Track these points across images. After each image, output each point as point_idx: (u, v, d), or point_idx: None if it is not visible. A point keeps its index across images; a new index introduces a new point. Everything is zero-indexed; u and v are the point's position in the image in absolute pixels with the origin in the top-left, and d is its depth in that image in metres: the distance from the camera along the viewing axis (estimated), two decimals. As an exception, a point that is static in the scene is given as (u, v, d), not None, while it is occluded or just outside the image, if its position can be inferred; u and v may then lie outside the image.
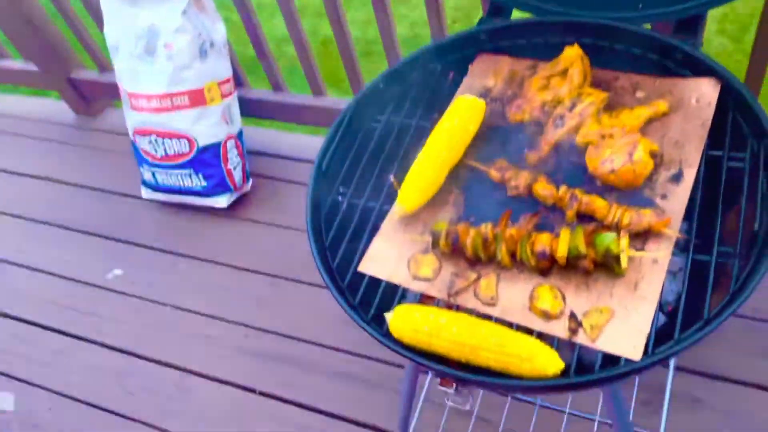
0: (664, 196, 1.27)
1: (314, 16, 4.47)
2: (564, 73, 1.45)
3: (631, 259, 1.19)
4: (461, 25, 4.47)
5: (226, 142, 2.83)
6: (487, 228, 1.26)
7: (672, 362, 2.03)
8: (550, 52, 1.51)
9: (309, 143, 3.18)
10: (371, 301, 1.29)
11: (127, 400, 2.53)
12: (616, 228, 1.22)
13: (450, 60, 1.63)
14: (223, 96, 2.78)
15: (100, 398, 2.56)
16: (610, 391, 1.41)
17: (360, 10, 4.33)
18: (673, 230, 1.21)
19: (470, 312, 1.22)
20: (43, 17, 3.24)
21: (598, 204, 1.25)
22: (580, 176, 1.34)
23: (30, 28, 3.20)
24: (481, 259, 1.27)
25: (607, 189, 1.31)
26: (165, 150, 2.80)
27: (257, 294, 2.71)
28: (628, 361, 1.10)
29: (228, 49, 2.82)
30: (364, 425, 2.25)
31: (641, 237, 1.23)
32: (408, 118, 1.56)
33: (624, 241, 1.16)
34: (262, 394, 2.45)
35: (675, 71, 1.45)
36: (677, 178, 1.28)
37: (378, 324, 1.24)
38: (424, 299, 1.31)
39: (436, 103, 1.54)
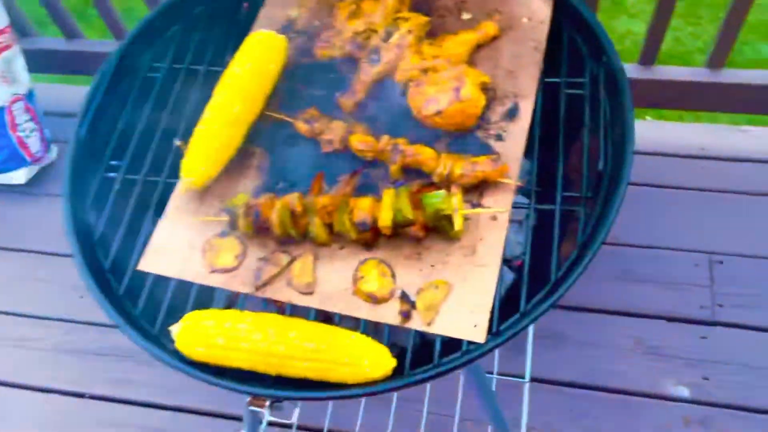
0: (499, 137, 1.07)
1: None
2: (377, -6, 1.19)
3: (466, 218, 1.00)
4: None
5: (11, 106, 2.34)
6: (294, 198, 1.00)
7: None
8: (362, -29, 1.25)
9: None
10: (160, 306, 1.01)
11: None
12: (447, 182, 1.01)
13: (243, -14, 1.32)
14: (-1, 49, 2.27)
15: None
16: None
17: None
18: (512, 179, 1.02)
19: (282, 308, 0.98)
20: None
21: (425, 155, 1.03)
22: (404, 121, 1.11)
23: None
24: (292, 237, 1.02)
25: (436, 134, 1.09)
26: (-69, 122, 2.26)
27: (76, 281, 2.31)
28: (471, 343, 0.91)
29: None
30: (213, 414, 2.00)
31: (477, 189, 1.03)
32: (195, 63, 1.24)
33: (456, 198, 0.96)
34: (92, 397, 2.11)
35: (503, -15, 1.24)
36: (513, 113, 1.09)
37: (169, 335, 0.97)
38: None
39: (228, 43, 1.24)
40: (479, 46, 1.15)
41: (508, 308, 0.95)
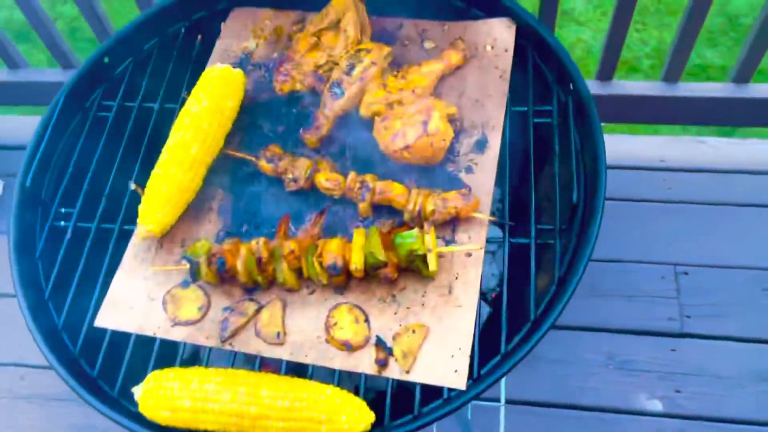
0: (469, 170, 1.05)
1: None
2: (337, 25, 1.16)
3: (440, 255, 0.96)
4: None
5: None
6: (260, 244, 0.95)
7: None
8: (321, 0, 1.21)
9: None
10: (120, 364, 0.95)
11: None
12: (419, 219, 0.98)
13: (196, 18, 1.27)
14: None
15: None
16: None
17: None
18: (484, 212, 0.99)
19: (251, 363, 0.93)
20: None
21: (395, 191, 1.00)
22: (371, 156, 1.07)
23: None
24: (259, 284, 0.97)
25: (404, 168, 1.05)
26: None
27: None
28: (452, 390, 0.88)
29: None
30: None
31: (449, 224, 1.00)
32: (148, 100, 1.18)
33: (430, 237, 0.92)
34: (51, 446, 2.00)
35: (465, 11, 1.22)
36: (481, 145, 1.07)
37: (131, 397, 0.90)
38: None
39: (183, 77, 1.18)
40: (444, 76, 1.13)
41: (486, 344, 0.92)
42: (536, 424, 1.80)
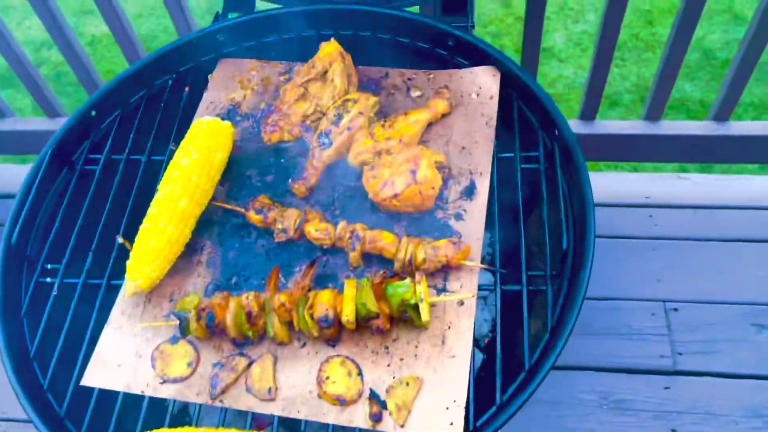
0: (458, 217, 1.05)
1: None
2: (324, 75, 1.17)
3: (433, 305, 0.96)
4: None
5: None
6: (250, 297, 0.94)
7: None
8: (307, 50, 1.23)
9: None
10: (108, 424, 0.92)
11: None
12: (410, 268, 0.98)
13: (184, 71, 1.28)
14: None
15: None
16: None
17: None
18: (475, 259, 0.99)
19: (242, 417, 0.91)
20: None
21: (385, 240, 1.00)
22: (361, 205, 1.08)
23: None
24: (249, 338, 0.96)
25: (394, 216, 1.06)
26: None
27: (11, 376, 2.14)
28: (448, 443, 0.86)
29: None
30: None
31: (441, 272, 1.00)
32: (135, 153, 1.18)
33: (422, 287, 0.92)
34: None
35: (449, 60, 1.24)
36: (470, 191, 1.07)
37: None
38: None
39: (171, 130, 1.19)
40: (431, 124, 1.14)
41: (481, 393, 0.91)
42: (533, 468, 1.78)
